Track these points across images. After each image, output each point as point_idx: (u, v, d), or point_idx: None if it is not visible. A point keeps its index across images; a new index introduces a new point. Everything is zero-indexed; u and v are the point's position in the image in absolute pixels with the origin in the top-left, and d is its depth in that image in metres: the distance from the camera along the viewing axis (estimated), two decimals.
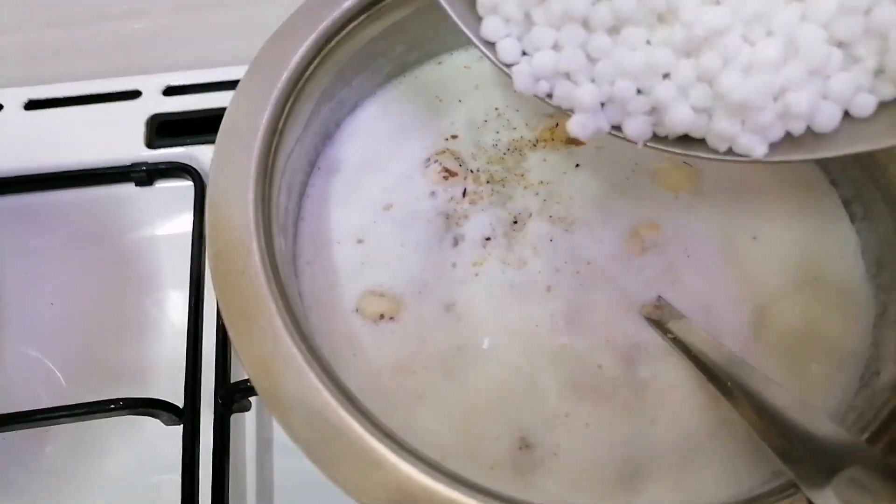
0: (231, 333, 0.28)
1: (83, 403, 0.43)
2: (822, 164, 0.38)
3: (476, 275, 0.35)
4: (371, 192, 0.37)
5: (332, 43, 0.36)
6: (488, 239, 0.36)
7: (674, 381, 0.33)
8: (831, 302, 0.35)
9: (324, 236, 0.36)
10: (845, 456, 0.26)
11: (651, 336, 0.34)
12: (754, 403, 0.29)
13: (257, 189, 0.31)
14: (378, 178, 0.37)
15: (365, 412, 0.28)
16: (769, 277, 0.35)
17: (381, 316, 0.34)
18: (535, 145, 0.39)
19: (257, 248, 0.30)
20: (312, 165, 0.37)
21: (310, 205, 0.36)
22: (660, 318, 0.34)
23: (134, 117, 0.56)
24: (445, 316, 0.34)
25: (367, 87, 0.40)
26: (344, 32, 0.36)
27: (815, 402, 0.31)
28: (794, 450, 0.27)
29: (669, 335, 0.33)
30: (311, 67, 0.35)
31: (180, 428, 0.44)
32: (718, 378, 0.31)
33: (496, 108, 0.40)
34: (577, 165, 0.38)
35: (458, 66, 0.42)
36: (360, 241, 0.36)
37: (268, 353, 0.28)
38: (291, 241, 0.34)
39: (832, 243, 0.36)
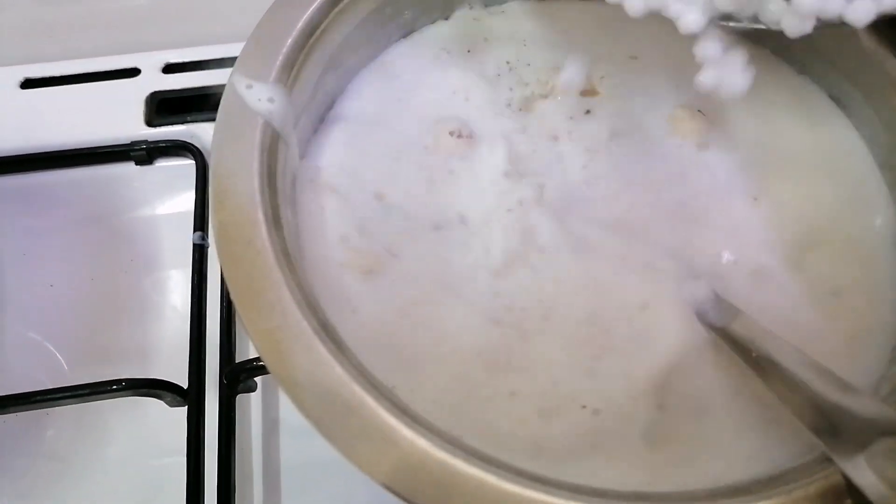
0: (238, 308, 0.27)
1: (84, 384, 0.42)
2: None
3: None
4: (379, 155, 0.36)
5: (338, 8, 0.34)
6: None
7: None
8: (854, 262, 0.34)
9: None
10: (879, 427, 0.25)
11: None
12: (784, 377, 0.28)
13: (262, 159, 0.30)
14: (386, 139, 0.36)
15: (378, 386, 0.27)
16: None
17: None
18: (545, 97, 0.38)
19: (263, 218, 0.29)
20: (317, 131, 0.36)
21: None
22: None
23: (133, 95, 0.55)
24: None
25: (374, 52, 0.38)
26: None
27: (847, 373, 0.30)
28: (825, 423, 0.26)
29: None
30: (315, 35, 0.34)
31: (185, 410, 0.43)
32: (745, 349, 0.30)
33: (507, 62, 0.39)
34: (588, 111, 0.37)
35: (468, 19, 0.41)
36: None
37: (277, 327, 0.27)
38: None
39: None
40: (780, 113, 0.37)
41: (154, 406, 0.44)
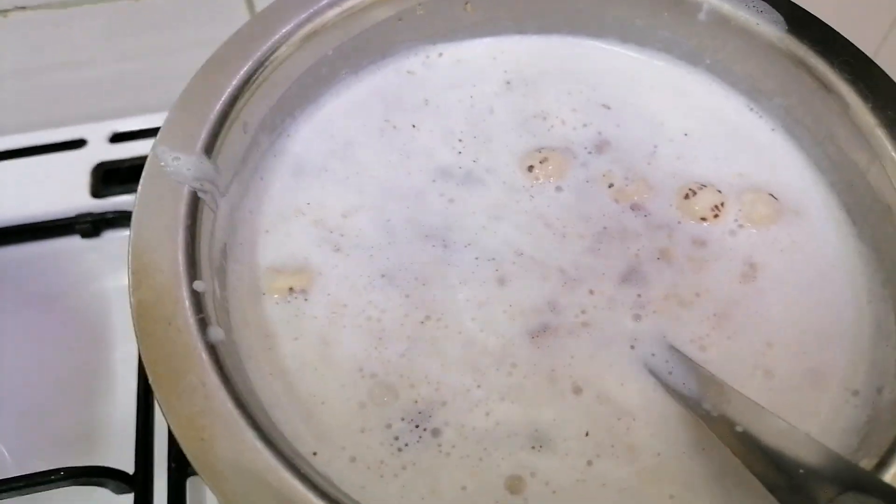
0: (157, 392, 0.25)
1: (20, 476, 0.40)
2: None
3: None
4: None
5: (266, 70, 0.33)
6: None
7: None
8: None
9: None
10: (841, 482, 0.23)
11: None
12: (735, 430, 0.26)
13: (186, 231, 0.29)
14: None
15: (313, 474, 0.25)
16: None
17: None
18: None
19: (186, 294, 0.27)
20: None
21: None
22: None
23: (78, 167, 0.53)
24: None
25: (310, 114, 0.37)
26: (278, 59, 0.34)
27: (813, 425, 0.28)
28: (783, 480, 0.24)
29: None
30: (244, 99, 0.33)
31: (132, 497, 0.41)
32: (692, 402, 0.28)
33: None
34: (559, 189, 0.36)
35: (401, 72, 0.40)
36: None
37: (199, 412, 0.25)
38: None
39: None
40: None
41: (102, 492, 0.42)
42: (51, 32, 0.54)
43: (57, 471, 0.40)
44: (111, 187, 0.52)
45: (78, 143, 0.55)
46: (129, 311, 0.46)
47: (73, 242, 0.51)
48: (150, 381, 0.25)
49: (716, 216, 0.35)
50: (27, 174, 0.53)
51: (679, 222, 0.35)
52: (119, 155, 0.54)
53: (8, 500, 0.40)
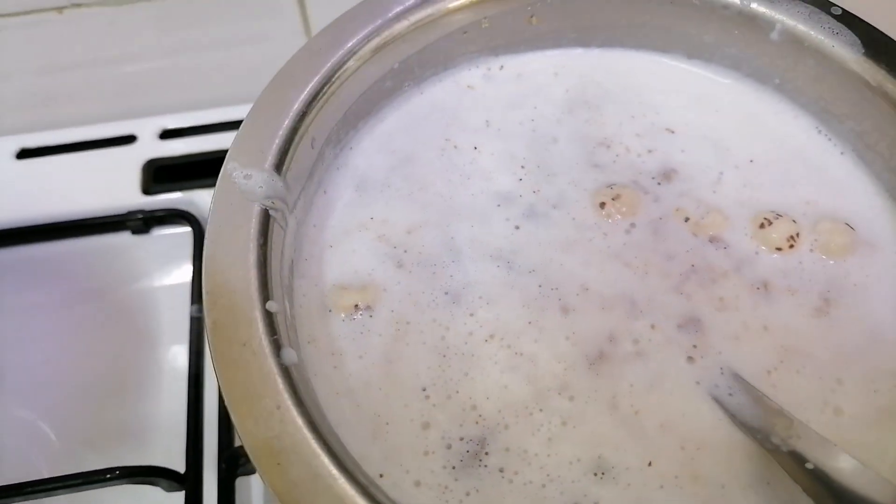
0: (234, 416, 0.25)
1: (78, 474, 0.40)
2: None
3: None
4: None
5: (334, 85, 0.33)
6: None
7: None
8: None
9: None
10: None
11: None
12: (805, 467, 0.26)
13: (259, 250, 0.29)
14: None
15: (386, 501, 0.25)
16: None
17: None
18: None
19: (260, 316, 0.27)
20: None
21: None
22: None
23: (129, 163, 0.54)
24: None
25: (372, 127, 0.37)
26: (346, 73, 0.33)
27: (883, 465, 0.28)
28: None
29: None
30: (312, 115, 0.32)
31: (182, 494, 0.41)
32: (760, 434, 0.28)
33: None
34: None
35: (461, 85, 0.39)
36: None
37: (275, 436, 0.25)
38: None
39: None
40: None
41: (153, 489, 0.42)
42: (103, 28, 0.55)
43: (113, 469, 0.40)
44: (161, 184, 0.53)
45: (128, 139, 0.55)
46: (176, 308, 0.47)
47: (124, 239, 0.52)
48: (227, 403, 0.26)
49: (791, 246, 0.34)
50: (79, 169, 0.54)
51: (756, 253, 0.34)
52: (169, 152, 0.54)
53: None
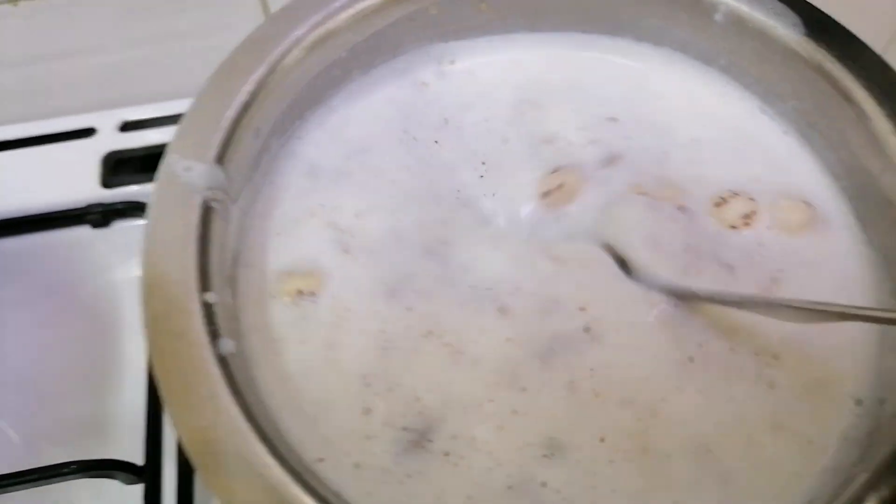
0: (168, 406, 0.25)
1: (33, 469, 0.40)
2: None
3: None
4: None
5: (278, 75, 0.33)
6: None
7: None
8: None
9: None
10: None
11: None
12: None
13: (199, 242, 0.29)
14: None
15: (322, 489, 0.25)
16: None
17: None
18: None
19: (199, 308, 0.27)
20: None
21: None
22: None
23: (88, 156, 0.53)
24: None
25: (322, 117, 0.37)
26: (291, 62, 0.33)
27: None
28: None
29: None
30: (258, 102, 0.32)
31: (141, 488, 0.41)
32: None
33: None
34: None
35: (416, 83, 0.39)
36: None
37: (210, 425, 0.25)
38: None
39: None
40: None
41: (111, 483, 0.42)
42: (60, 20, 0.54)
43: (69, 464, 0.40)
44: (121, 177, 0.52)
45: (87, 132, 0.55)
46: (136, 302, 0.47)
47: (83, 233, 0.51)
48: (161, 393, 0.26)
49: (746, 224, 0.35)
50: (36, 164, 0.53)
51: (713, 230, 0.35)
52: (129, 144, 0.54)
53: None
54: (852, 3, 0.38)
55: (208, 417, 0.25)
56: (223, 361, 0.27)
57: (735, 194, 0.36)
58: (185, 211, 0.29)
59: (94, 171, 0.53)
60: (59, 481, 0.40)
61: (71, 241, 0.51)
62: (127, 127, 0.55)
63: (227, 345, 0.27)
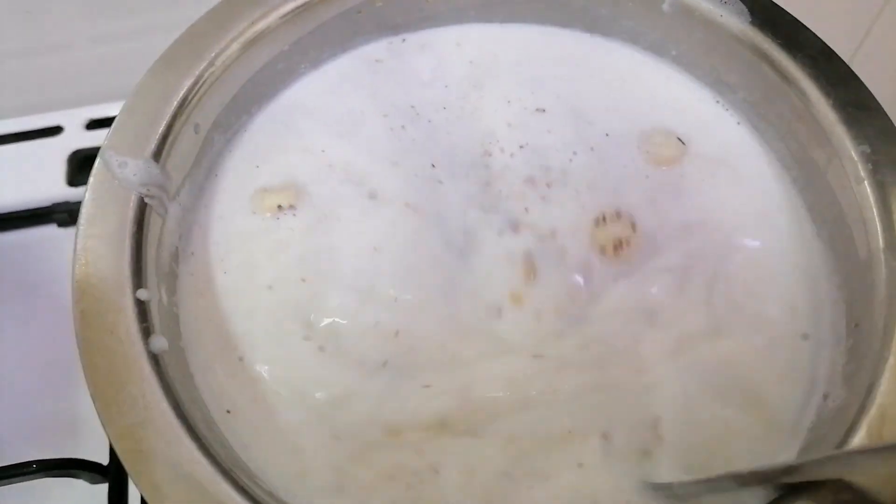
0: (95, 403, 0.25)
1: None
2: None
3: None
4: None
5: (216, 69, 0.33)
6: None
7: None
8: None
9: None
10: None
11: None
12: None
13: (133, 239, 0.29)
14: None
15: (252, 485, 0.25)
16: None
17: None
18: None
19: (131, 304, 0.27)
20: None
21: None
22: None
23: (54, 154, 0.53)
24: None
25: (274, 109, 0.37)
26: (230, 57, 0.33)
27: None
28: None
29: None
30: (196, 98, 0.32)
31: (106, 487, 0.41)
32: None
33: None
34: None
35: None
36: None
37: (138, 423, 0.25)
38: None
39: None
40: None
41: (80, 482, 0.42)
42: (25, 16, 0.54)
43: (29, 463, 0.40)
44: (87, 175, 0.52)
45: (54, 131, 0.55)
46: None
47: (50, 231, 0.51)
48: (90, 391, 0.26)
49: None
50: (2, 162, 0.53)
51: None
52: (96, 142, 0.54)
53: None
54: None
55: (137, 415, 0.25)
56: (155, 359, 0.27)
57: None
58: (119, 208, 0.29)
59: (60, 169, 0.53)
60: (20, 481, 0.40)
61: (37, 240, 0.51)
62: (94, 125, 0.55)
63: (159, 342, 0.27)
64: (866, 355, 0.29)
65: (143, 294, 0.28)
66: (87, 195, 0.30)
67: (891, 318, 0.28)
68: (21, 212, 0.51)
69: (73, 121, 0.55)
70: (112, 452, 0.42)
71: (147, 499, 0.24)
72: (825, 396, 0.30)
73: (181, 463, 0.25)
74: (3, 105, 0.56)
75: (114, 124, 0.31)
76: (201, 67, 0.33)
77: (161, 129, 0.31)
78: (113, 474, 0.42)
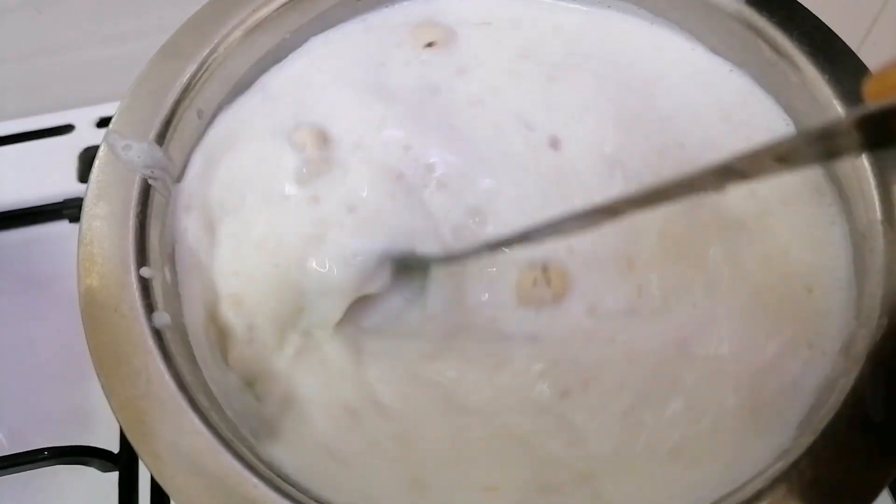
0: (99, 375, 0.26)
1: (7, 456, 0.41)
2: None
3: None
4: None
5: (219, 55, 0.33)
6: None
7: None
8: None
9: None
10: None
11: None
12: None
13: (137, 219, 0.29)
14: None
15: (251, 457, 0.25)
16: None
17: None
18: None
19: (134, 281, 0.28)
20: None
21: None
22: None
23: (66, 152, 0.54)
24: None
25: None
26: (233, 43, 0.34)
27: None
28: None
29: None
30: (199, 83, 0.33)
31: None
32: None
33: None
34: None
35: None
36: None
37: (141, 395, 0.25)
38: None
39: None
40: None
41: (91, 470, 0.43)
42: (37, 17, 0.55)
43: (41, 451, 0.41)
44: None
45: (65, 129, 0.56)
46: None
47: (62, 227, 0.52)
48: (94, 364, 0.26)
49: None
50: (15, 161, 0.54)
51: None
52: None
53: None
54: None
55: (139, 388, 0.26)
56: (158, 334, 0.27)
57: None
58: (123, 189, 0.30)
59: (71, 166, 0.54)
60: (32, 468, 0.41)
61: (49, 236, 0.52)
62: (104, 123, 0.56)
63: (162, 318, 0.28)
64: None
65: (146, 272, 0.28)
66: (91, 177, 0.30)
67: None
68: (34, 208, 0.52)
69: (83, 119, 0.56)
70: (122, 440, 0.43)
71: (149, 468, 0.25)
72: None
73: (183, 434, 0.25)
74: (16, 104, 0.57)
75: (119, 108, 0.32)
76: (204, 54, 0.33)
77: (165, 113, 0.32)
78: (123, 462, 0.42)
